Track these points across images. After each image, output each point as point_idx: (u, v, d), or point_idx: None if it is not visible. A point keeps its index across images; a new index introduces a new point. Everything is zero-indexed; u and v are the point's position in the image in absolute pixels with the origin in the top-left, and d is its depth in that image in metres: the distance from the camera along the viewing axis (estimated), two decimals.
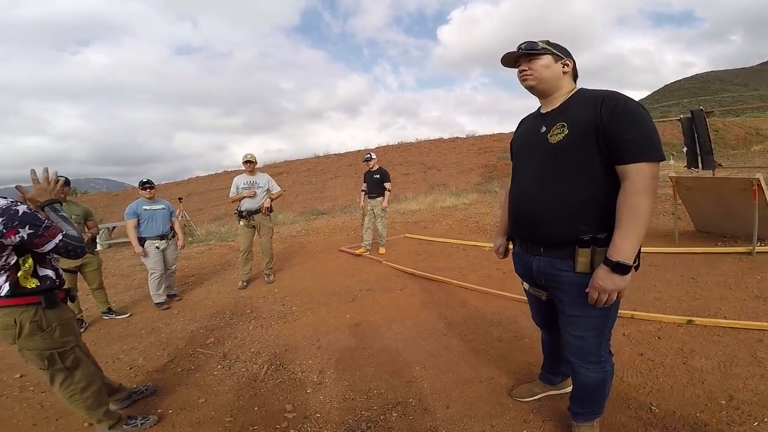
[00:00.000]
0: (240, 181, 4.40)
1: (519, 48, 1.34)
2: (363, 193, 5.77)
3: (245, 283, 4.53)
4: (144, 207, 3.79)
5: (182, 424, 1.97)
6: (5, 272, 1.48)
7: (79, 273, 3.51)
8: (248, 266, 4.56)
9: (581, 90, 1.34)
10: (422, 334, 2.82)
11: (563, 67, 1.33)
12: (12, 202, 1.49)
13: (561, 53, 1.33)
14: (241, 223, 4.43)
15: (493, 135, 21.10)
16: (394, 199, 12.96)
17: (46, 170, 1.65)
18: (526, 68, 1.33)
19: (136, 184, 4.15)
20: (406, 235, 7.06)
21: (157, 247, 3.84)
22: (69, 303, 1.78)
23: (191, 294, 4.48)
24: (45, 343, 1.64)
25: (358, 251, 5.79)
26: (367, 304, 3.59)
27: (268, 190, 4.46)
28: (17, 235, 1.42)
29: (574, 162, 1.24)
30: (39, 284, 1.58)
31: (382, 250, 5.72)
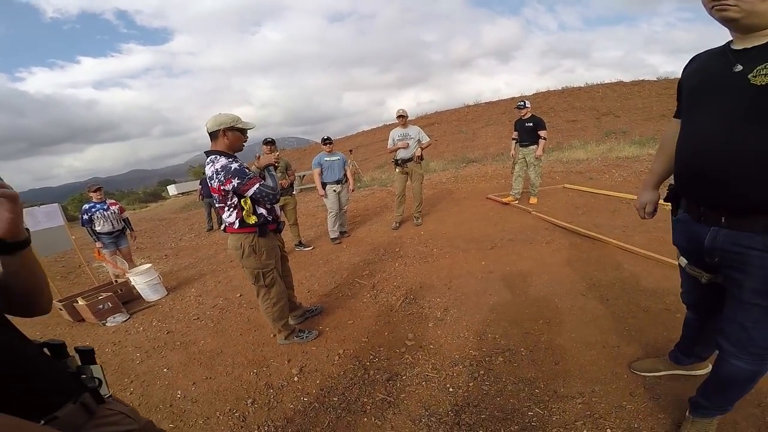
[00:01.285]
0: (395, 134, 4.91)
1: None
2: (514, 141, 5.58)
3: (398, 224, 5.25)
4: (325, 158, 4.76)
5: (332, 340, 2.52)
6: (233, 210, 2.18)
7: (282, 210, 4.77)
8: (401, 209, 5.24)
9: None
10: (558, 291, 2.75)
11: None
12: (230, 160, 2.08)
13: None
14: (397, 170, 5.04)
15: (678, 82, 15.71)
16: (556, 147, 11.63)
17: (269, 147, 2.35)
18: None
19: (318, 141, 5.19)
20: (566, 185, 6.44)
21: (335, 191, 4.83)
22: (278, 233, 2.45)
23: (357, 232, 5.47)
24: (255, 263, 2.26)
25: (506, 199, 5.75)
26: (505, 254, 3.65)
27: (418, 140, 4.84)
28: (231, 184, 2.08)
29: None
30: (257, 220, 2.21)
31: (533, 200, 5.50)
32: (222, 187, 2.08)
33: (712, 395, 1.35)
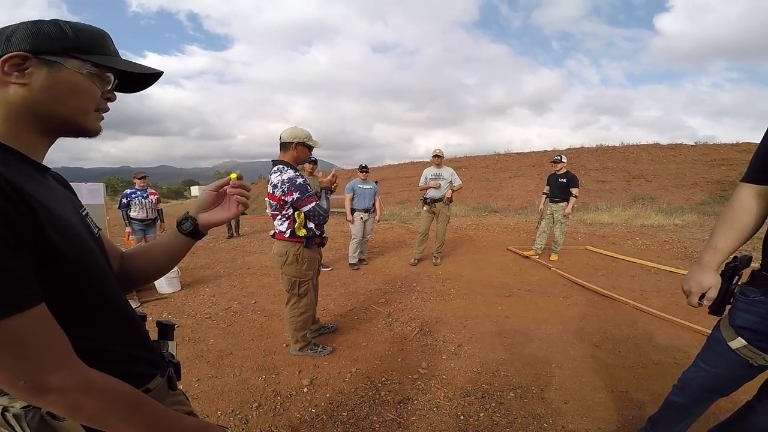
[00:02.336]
0: (428, 173, 5.12)
1: None
2: (545, 196, 5.64)
3: (417, 261, 5.32)
4: (359, 185, 5.00)
5: (345, 358, 2.58)
6: (286, 220, 2.35)
7: None
8: (422, 246, 5.33)
9: None
10: (572, 340, 2.81)
11: None
12: (297, 174, 2.22)
13: None
14: (425, 208, 5.18)
15: (737, 144, 15.36)
16: (582, 207, 11.65)
17: (335, 176, 2.48)
18: None
19: (343, 166, 5.44)
20: (588, 247, 6.44)
21: (362, 218, 5.01)
22: (320, 248, 2.57)
23: (374, 262, 5.58)
24: (295, 271, 2.37)
25: (527, 253, 5.76)
26: (522, 302, 3.70)
27: (450, 182, 5.02)
28: (291, 197, 2.25)
29: None
30: (306, 233, 2.33)
31: (554, 257, 5.50)
32: (283, 197, 2.24)
33: None
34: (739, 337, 1.20)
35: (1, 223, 0.45)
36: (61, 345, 0.51)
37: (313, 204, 2.22)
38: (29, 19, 0.61)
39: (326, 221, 2.36)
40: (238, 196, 0.84)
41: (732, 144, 15.59)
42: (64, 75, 0.59)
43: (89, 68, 0.61)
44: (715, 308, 1.25)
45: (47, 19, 0.60)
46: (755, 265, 1.19)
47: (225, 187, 0.85)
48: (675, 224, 8.79)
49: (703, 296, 1.23)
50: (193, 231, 0.83)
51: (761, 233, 1.18)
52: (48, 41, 0.58)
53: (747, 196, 1.16)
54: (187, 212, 0.85)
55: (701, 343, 2.59)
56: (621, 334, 2.88)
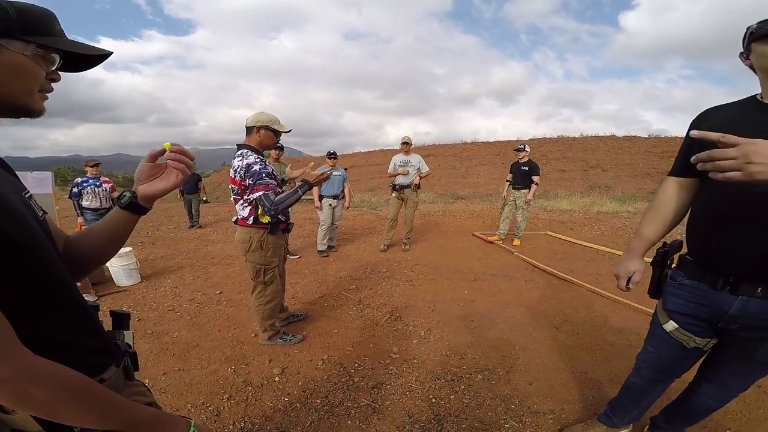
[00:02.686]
0: (397, 160, 5.13)
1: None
2: (508, 183, 5.84)
3: (386, 247, 5.38)
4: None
5: (316, 346, 2.57)
6: (248, 206, 2.24)
7: None
8: (391, 233, 5.38)
9: None
10: (533, 322, 2.97)
11: None
12: (257, 160, 2.11)
13: None
14: (393, 194, 5.22)
15: (685, 137, 16.78)
16: (543, 195, 12.19)
17: (323, 176, 2.26)
18: None
19: (311, 154, 5.34)
20: (548, 232, 6.79)
21: (330, 205, 4.95)
22: (286, 234, 2.50)
23: (344, 248, 5.57)
24: (260, 259, 2.30)
25: (491, 238, 5.98)
26: (486, 286, 3.85)
27: (418, 169, 5.07)
28: (246, 181, 2.16)
29: None
30: (270, 219, 2.30)
31: (516, 242, 5.75)
32: (242, 182, 2.16)
33: (673, 420, 1.52)
34: (671, 321, 1.27)
35: None
36: (2, 333, 0.48)
37: (261, 193, 2.09)
38: None
39: (273, 214, 2.14)
40: (177, 164, 0.78)
41: (681, 137, 16.86)
42: (6, 56, 0.56)
43: (33, 49, 0.58)
44: (653, 292, 1.33)
45: None
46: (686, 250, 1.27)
47: (162, 158, 0.79)
48: (628, 211, 9.45)
49: (629, 280, 1.32)
50: (132, 204, 0.78)
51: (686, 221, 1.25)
52: None
53: (671, 188, 1.27)
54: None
55: None
56: (579, 317, 3.06)
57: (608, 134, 18.95)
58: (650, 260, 1.33)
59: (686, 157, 1.16)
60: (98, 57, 0.67)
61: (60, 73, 0.65)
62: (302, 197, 2.22)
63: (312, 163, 2.52)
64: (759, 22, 1.01)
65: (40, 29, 0.59)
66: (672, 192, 1.26)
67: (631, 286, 1.33)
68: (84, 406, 0.54)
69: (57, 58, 0.62)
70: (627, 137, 18.24)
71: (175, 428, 0.67)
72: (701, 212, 1.16)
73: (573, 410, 1.92)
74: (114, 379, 0.69)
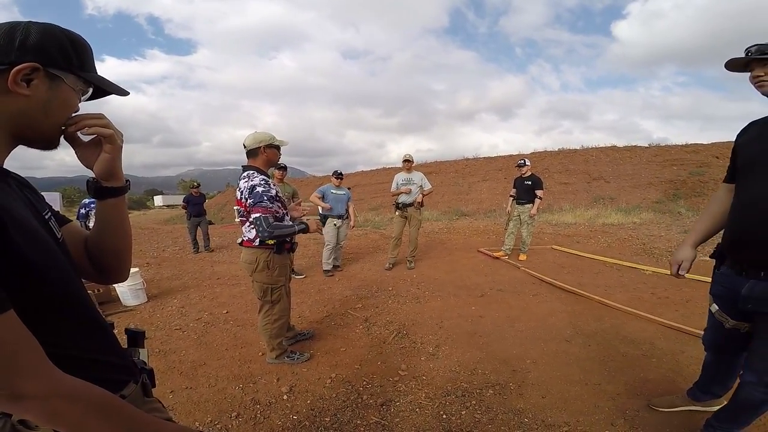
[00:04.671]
0: (399, 178, 5.20)
1: (748, 52, 1.24)
2: (511, 198, 5.87)
3: (391, 266, 5.36)
4: (332, 191, 4.98)
5: (324, 364, 2.56)
6: (254, 227, 2.24)
7: None
8: (396, 251, 5.39)
9: None
10: (544, 336, 2.92)
11: None
12: (261, 182, 2.13)
13: None
14: (397, 213, 5.26)
15: (686, 145, 16.72)
16: (547, 209, 12.17)
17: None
18: (762, 74, 1.22)
19: (315, 173, 5.41)
20: (554, 246, 6.74)
21: (335, 225, 4.99)
22: (291, 253, 2.52)
23: (349, 268, 5.57)
24: (267, 278, 2.31)
25: (496, 254, 5.95)
26: (494, 301, 3.81)
27: (421, 186, 5.12)
28: (248, 202, 2.19)
29: None
30: (275, 241, 2.23)
31: (522, 257, 5.71)
32: (246, 203, 2.19)
33: (724, 419, 1.53)
34: (714, 304, 1.49)
35: None
36: (34, 351, 0.50)
37: (260, 214, 2.08)
38: (37, 21, 0.59)
39: (266, 236, 2.14)
40: (89, 129, 0.66)
41: (682, 145, 16.86)
42: (63, 90, 0.58)
43: (81, 85, 0.61)
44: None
45: (49, 23, 0.58)
46: None
47: (81, 134, 0.69)
48: (633, 222, 9.40)
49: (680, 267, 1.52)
50: (99, 189, 0.72)
51: None
52: (57, 54, 0.57)
53: (721, 191, 1.52)
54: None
55: (664, 334, 2.85)
56: (589, 329, 3.02)
57: (609, 145, 18.99)
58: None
59: (732, 167, 1.44)
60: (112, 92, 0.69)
61: None
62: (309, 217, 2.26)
63: (300, 200, 2.62)
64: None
65: (86, 64, 0.62)
66: (721, 194, 1.51)
67: (682, 272, 1.51)
68: (111, 422, 0.56)
69: (90, 92, 0.65)
70: (628, 147, 18.29)
71: None
72: (731, 210, 1.38)
73: (589, 422, 1.88)
74: (133, 396, 0.70)
